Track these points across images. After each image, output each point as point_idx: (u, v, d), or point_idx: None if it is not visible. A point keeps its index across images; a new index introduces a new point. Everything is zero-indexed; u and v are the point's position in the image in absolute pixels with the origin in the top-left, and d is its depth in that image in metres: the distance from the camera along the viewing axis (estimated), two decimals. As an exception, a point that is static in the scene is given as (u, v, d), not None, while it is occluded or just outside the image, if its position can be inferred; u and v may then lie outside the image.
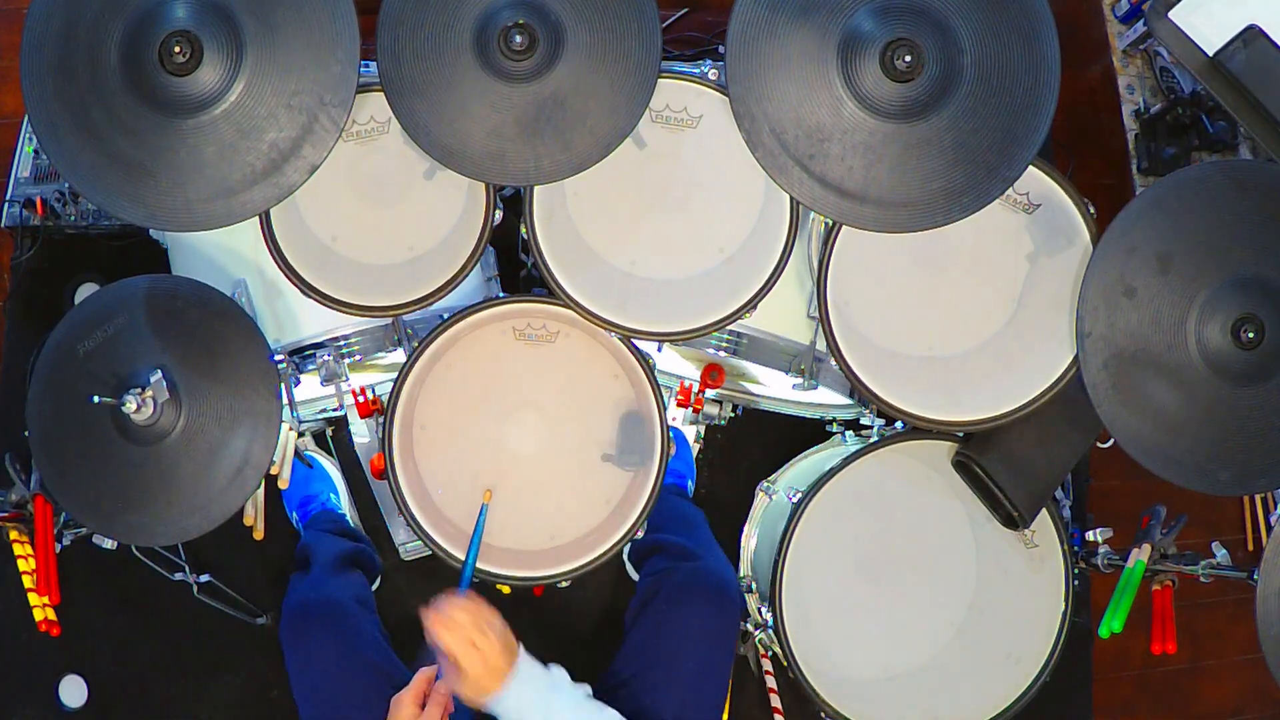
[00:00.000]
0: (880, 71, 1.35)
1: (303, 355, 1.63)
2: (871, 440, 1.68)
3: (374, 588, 1.98)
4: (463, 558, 1.58)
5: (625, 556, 1.99)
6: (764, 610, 1.72)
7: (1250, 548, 2.35)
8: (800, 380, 1.67)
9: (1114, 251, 1.45)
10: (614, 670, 1.64)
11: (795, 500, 1.66)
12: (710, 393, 1.83)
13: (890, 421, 1.74)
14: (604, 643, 2.09)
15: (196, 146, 1.35)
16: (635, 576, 1.90)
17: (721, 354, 1.70)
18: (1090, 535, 1.70)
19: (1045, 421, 1.61)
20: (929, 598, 1.70)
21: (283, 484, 1.59)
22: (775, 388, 1.89)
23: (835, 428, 1.91)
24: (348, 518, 2.07)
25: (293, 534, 2.06)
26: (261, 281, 1.61)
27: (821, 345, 1.64)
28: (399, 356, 1.68)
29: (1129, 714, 2.35)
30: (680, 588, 1.64)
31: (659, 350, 1.76)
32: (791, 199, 1.51)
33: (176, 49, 1.30)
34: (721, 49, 1.41)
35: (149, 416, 1.38)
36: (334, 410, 1.76)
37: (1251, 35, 1.60)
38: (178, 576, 1.76)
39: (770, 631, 1.67)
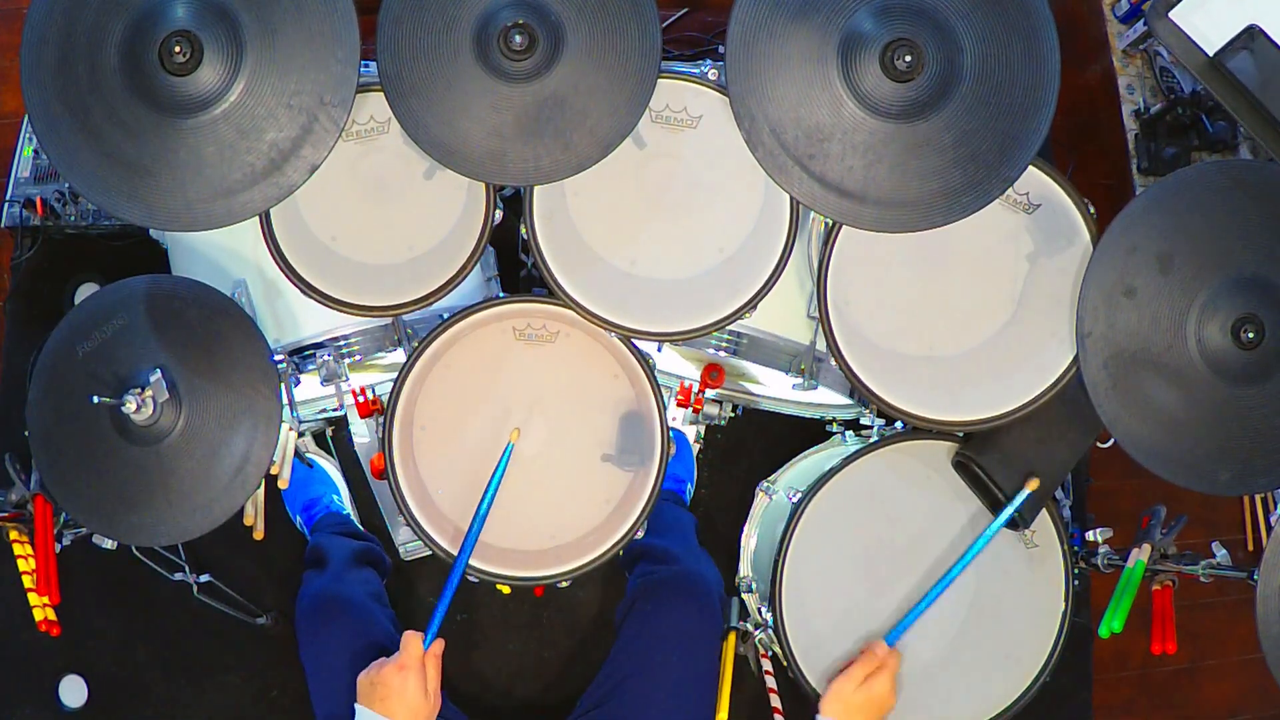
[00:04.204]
0: (880, 71, 1.35)
1: (303, 355, 1.63)
2: (871, 440, 1.68)
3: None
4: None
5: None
6: (764, 610, 1.72)
7: (1250, 548, 2.35)
8: (800, 380, 1.67)
9: (1114, 251, 1.45)
10: (603, 675, 1.66)
11: (795, 500, 1.66)
12: (710, 393, 1.83)
13: (890, 421, 1.74)
14: (603, 643, 2.09)
15: (196, 146, 1.35)
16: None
17: (721, 354, 1.70)
18: (1090, 535, 1.70)
19: (1045, 421, 1.61)
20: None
21: (283, 484, 1.59)
22: (775, 388, 1.89)
23: (835, 428, 1.91)
24: (352, 518, 2.07)
25: (293, 534, 2.06)
26: (261, 281, 1.61)
27: (821, 345, 1.64)
28: (399, 356, 1.68)
29: (1129, 714, 2.35)
30: (661, 590, 1.67)
31: (659, 350, 1.76)
32: (791, 199, 1.51)
33: (176, 49, 1.30)
34: (721, 49, 1.41)
35: (149, 416, 1.38)
36: (334, 410, 1.76)
37: (1251, 35, 1.60)
38: (178, 576, 1.76)
39: (770, 631, 1.67)
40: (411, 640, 1.42)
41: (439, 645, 1.45)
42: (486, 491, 1.55)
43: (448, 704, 1.59)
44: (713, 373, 1.74)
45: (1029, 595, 1.69)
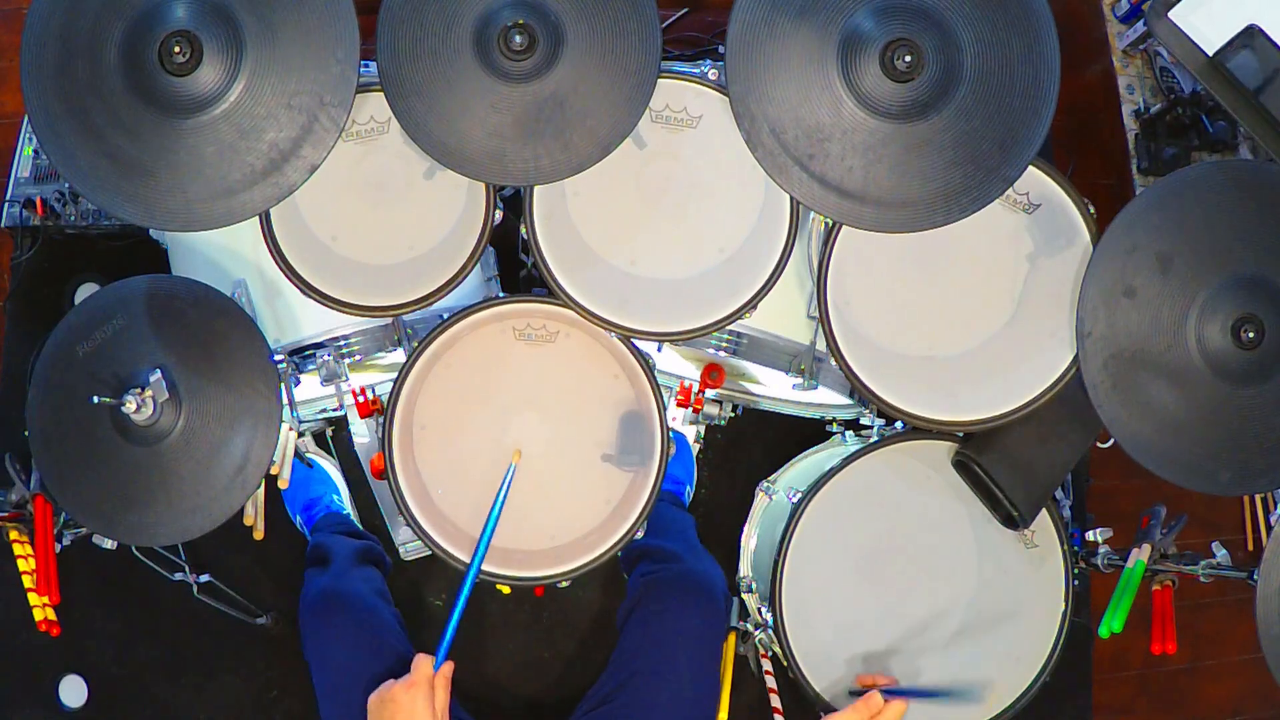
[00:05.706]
0: (880, 71, 1.35)
1: (303, 355, 1.63)
2: (871, 440, 1.68)
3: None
4: (463, 558, 1.58)
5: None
6: (764, 610, 1.72)
7: (1250, 548, 2.35)
8: (800, 380, 1.67)
9: (1114, 251, 1.45)
10: (608, 674, 1.66)
11: (795, 500, 1.66)
12: (710, 393, 1.83)
13: (890, 421, 1.74)
14: (604, 643, 2.10)
15: (196, 146, 1.35)
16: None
17: (721, 354, 1.70)
18: (1090, 535, 1.70)
19: (1045, 421, 1.61)
20: (929, 598, 1.70)
21: (283, 484, 1.59)
22: (775, 388, 1.89)
23: (835, 428, 1.91)
24: (352, 518, 2.07)
25: (293, 534, 2.06)
26: (261, 281, 1.61)
27: (821, 345, 1.64)
28: (399, 356, 1.68)
29: (1129, 714, 2.35)
30: (665, 589, 1.66)
31: (659, 350, 1.76)
32: (791, 199, 1.51)
33: (176, 49, 1.30)
34: (721, 49, 1.41)
35: (149, 416, 1.38)
36: (334, 410, 1.76)
37: (1251, 35, 1.60)
38: (178, 576, 1.76)
39: (770, 631, 1.67)
40: (422, 661, 1.45)
41: (448, 667, 1.46)
42: (490, 515, 1.55)
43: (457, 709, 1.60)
44: (713, 373, 1.74)
45: (1029, 595, 1.69)
